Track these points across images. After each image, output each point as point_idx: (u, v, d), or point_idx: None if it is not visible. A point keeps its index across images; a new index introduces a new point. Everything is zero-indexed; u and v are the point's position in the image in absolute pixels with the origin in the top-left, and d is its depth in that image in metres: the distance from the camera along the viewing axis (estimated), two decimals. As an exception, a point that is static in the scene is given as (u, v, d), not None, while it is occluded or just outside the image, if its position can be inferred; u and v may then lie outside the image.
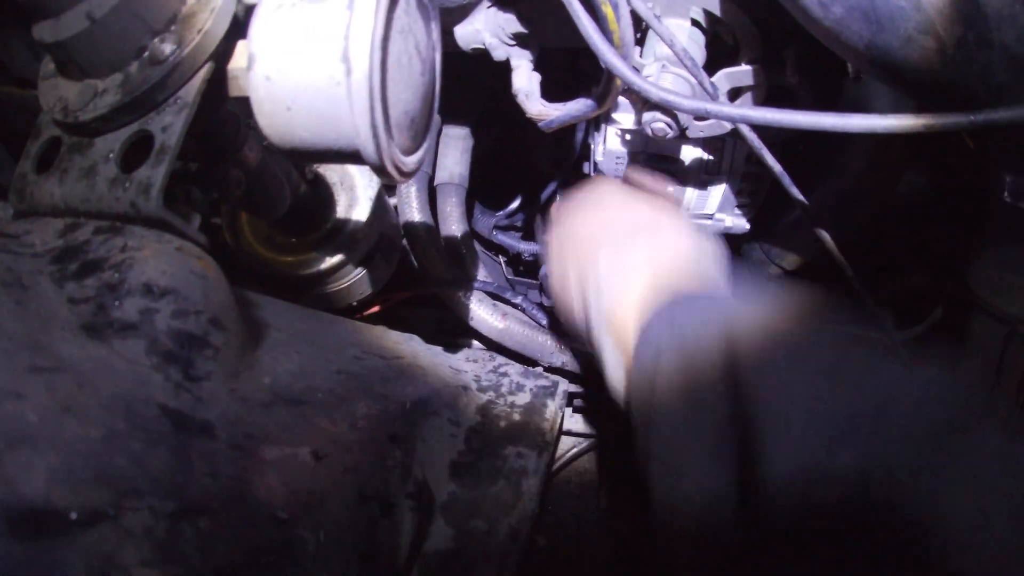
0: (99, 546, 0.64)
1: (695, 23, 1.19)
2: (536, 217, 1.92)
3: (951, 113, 0.84)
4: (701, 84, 1.08)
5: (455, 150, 1.69)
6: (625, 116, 1.31)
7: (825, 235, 1.17)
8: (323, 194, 1.35)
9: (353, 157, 0.81)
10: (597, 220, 1.05)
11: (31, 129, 0.97)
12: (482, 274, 1.71)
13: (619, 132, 1.35)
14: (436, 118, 0.99)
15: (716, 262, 0.97)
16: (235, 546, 0.74)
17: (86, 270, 0.80)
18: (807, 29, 0.95)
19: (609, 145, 1.38)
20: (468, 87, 1.67)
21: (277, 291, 1.26)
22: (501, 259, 1.99)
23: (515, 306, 1.64)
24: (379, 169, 0.83)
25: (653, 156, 1.36)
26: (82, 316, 0.77)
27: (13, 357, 0.68)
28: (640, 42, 1.23)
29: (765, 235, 1.47)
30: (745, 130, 1.08)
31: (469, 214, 1.82)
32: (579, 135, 1.71)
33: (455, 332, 1.66)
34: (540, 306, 1.66)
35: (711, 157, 1.35)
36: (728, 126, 1.20)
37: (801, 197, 1.14)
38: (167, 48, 0.86)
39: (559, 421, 1.28)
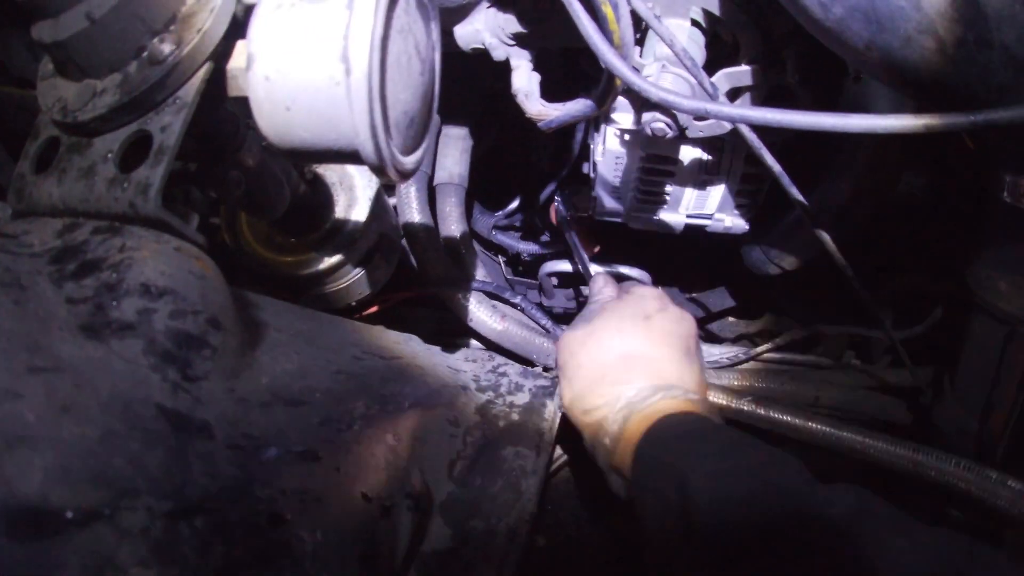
0: (96, 546, 0.64)
1: (695, 23, 1.19)
2: (536, 217, 1.92)
3: (951, 113, 0.84)
4: (701, 84, 1.07)
5: (454, 150, 1.69)
6: (625, 116, 1.31)
7: (824, 235, 1.17)
8: (322, 194, 1.35)
9: (352, 157, 0.81)
10: (599, 362, 1.17)
11: (30, 129, 0.97)
12: (481, 274, 1.71)
13: (619, 132, 1.35)
14: (435, 118, 0.99)
15: (696, 377, 1.16)
16: (233, 546, 0.74)
17: (84, 270, 0.80)
18: (807, 29, 0.95)
19: (609, 145, 1.38)
20: (468, 87, 1.68)
21: (276, 291, 1.26)
22: (500, 259, 1.99)
23: (514, 306, 1.64)
24: (378, 169, 0.83)
25: (653, 156, 1.36)
26: (80, 316, 0.77)
27: (11, 357, 0.68)
28: (640, 42, 1.23)
29: (765, 235, 1.46)
30: (745, 130, 1.08)
31: (468, 214, 1.82)
32: (579, 135, 1.72)
33: (454, 332, 1.66)
34: (539, 306, 1.66)
35: (711, 157, 1.34)
36: (728, 126, 1.20)
37: (800, 197, 1.14)
38: (166, 48, 0.86)
39: (558, 421, 1.28)
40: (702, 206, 1.45)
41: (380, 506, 0.95)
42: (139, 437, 0.71)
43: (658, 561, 0.98)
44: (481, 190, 1.87)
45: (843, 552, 0.76)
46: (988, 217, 1.12)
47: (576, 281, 1.86)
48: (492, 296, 1.63)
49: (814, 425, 1.37)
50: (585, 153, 1.59)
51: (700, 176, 1.39)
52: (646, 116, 1.18)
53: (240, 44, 0.90)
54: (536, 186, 1.86)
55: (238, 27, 0.90)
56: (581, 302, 1.87)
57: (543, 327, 1.61)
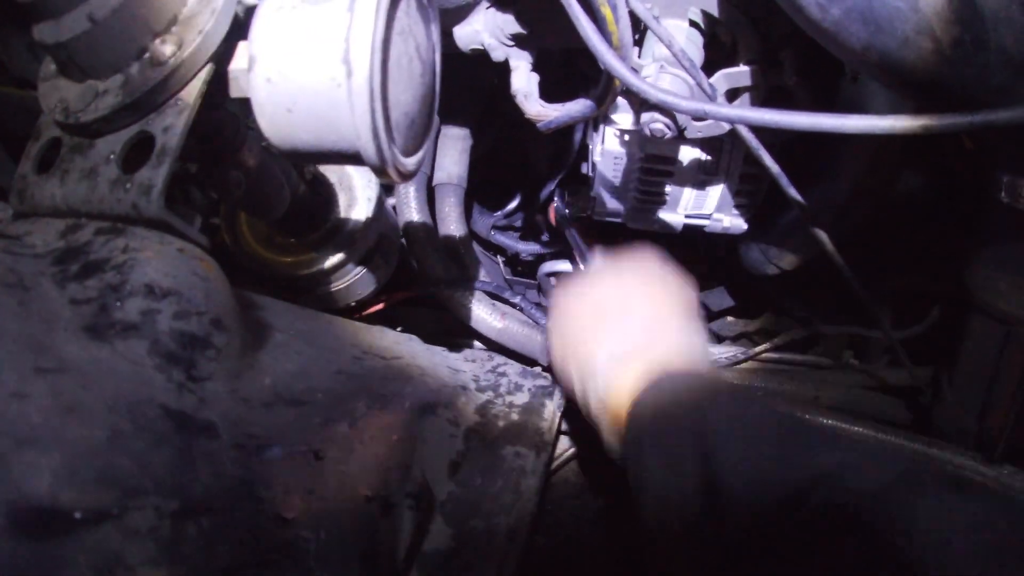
0: (104, 545, 0.64)
1: (693, 24, 1.19)
2: (535, 217, 1.92)
3: (949, 114, 0.85)
4: (699, 85, 1.08)
5: (453, 150, 1.69)
6: (624, 117, 1.31)
7: (823, 235, 1.18)
8: (322, 194, 1.35)
9: (354, 159, 0.82)
10: (592, 311, 1.12)
11: (31, 130, 0.97)
12: (480, 274, 1.71)
13: (617, 132, 1.35)
14: (435, 119, 0.99)
15: (699, 336, 1.08)
16: (238, 545, 0.75)
17: (88, 271, 0.81)
18: (805, 30, 0.96)
19: (607, 145, 1.38)
20: (467, 88, 1.68)
21: (276, 291, 1.26)
22: (499, 259, 1.99)
23: (513, 306, 1.64)
24: (379, 171, 0.83)
25: (652, 157, 1.36)
26: (84, 317, 0.77)
27: (17, 358, 0.68)
28: (639, 43, 1.23)
29: (763, 235, 1.47)
30: (743, 131, 1.09)
31: (468, 214, 1.82)
32: (577, 135, 1.72)
33: (454, 332, 1.66)
34: (539, 306, 1.66)
35: (709, 157, 1.35)
36: (726, 127, 1.20)
37: (799, 197, 1.15)
38: (168, 49, 0.87)
39: (557, 421, 1.28)
40: (701, 206, 1.45)
41: (381, 505, 0.95)
42: (145, 437, 0.71)
43: (662, 531, 0.88)
44: (480, 190, 1.88)
45: (864, 529, 0.67)
46: (986, 217, 1.13)
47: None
48: (491, 296, 1.63)
49: (827, 421, 1.38)
50: (584, 153, 1.59)
51: (699, 176, 1.39)
52: (645, 116, 1.19)
53: (242, 45, 0.90)
54: (535, 186, 1.86)
55: (239, 28, 0.90)
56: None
57: (542, 327, 1.62)
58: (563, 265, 1.79)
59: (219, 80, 0.90)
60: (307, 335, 1.08)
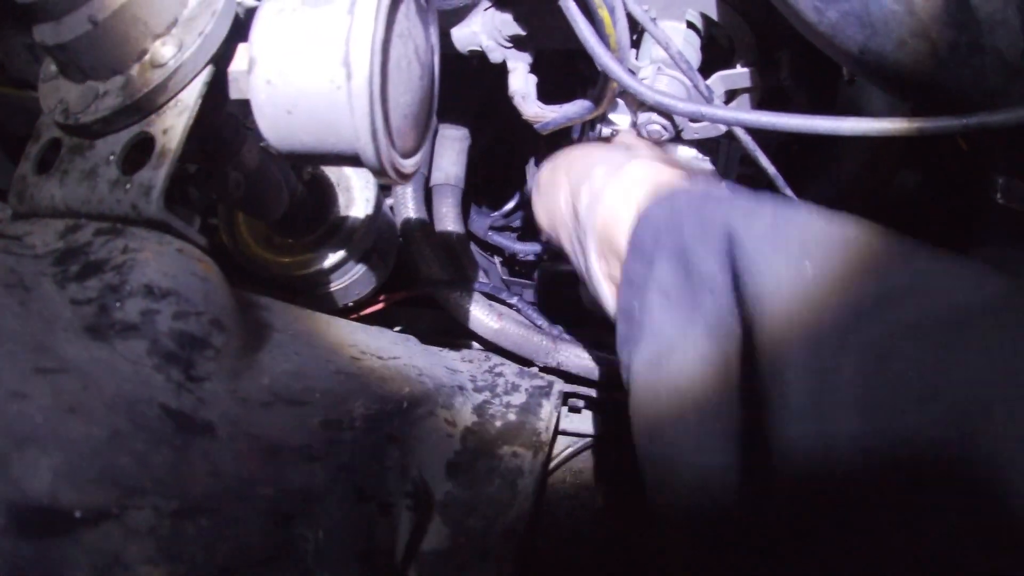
0: (104, 544, 0.64)
1: (691, 26, 1.20)
2: (533, 217, 1.92)
3: (944, 116, 0.85)
4: (696, 87, 1.08)
5: (451, 151, 1.70)
6: (621, 118, 1.32)
7: (819, 236, 1.18)
8: (320, 195, 1.35)
9: (353, 160, 0.82)
10: (592, 151, 1.02)
11: (31, 131, 0.97)
12: (478, 275, 1.71)
13: (615, 133, 1.36)
14: (434, 120, 1.00)
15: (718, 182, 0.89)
16: (236, 544, 0.75)
17: (88, 272, 0.81)
18: (802, 33, 0.96)
19: (605, 146, 1.39)
20: (465, 88, 1.68)
21: (274, 292, 1.27)
22: (497, 259, 2.00)
23: (511, 306, 1.64)
24: (378, 172, 0.84)
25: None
26: (84, 317, 0.77)
27: (17, 358, 0.69)
28: (636, 44, 1.24)
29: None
30: (739, 132, 1.09)
31: (465, 215, 1.82)
32: (575, 137, 1.72)
33: (451, 332, 1.66)
34: (536, 306, 1.66)
35: (706, 159, 1.35)
36: (723, 128, 1.21)
37: (795, 198, 1.15)
38: (168, 51, 0.87)
39: (554, 421, 1.29)
40: (697, 207, 1.45)
41: (379, 505, 0.96)
42: (144, 437, 0.72)
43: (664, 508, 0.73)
44: (478, 191, 1.88)
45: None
46: (981, 218, 1.13)
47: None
48: (488, 296, 1.64)
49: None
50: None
51: (695, 177, 1.40)
52: (642, 118, 1.19)
53: (242, 47, 0.90)
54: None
55: (240, 30, 0.90)
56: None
57: (539, 327, 1.62)
58: (561, 266, 1.80)
59: (219, 82, 0.91)
60: (305, 335, 1.08)
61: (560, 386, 1.39)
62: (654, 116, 1.18)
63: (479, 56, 1.24)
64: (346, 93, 0.76)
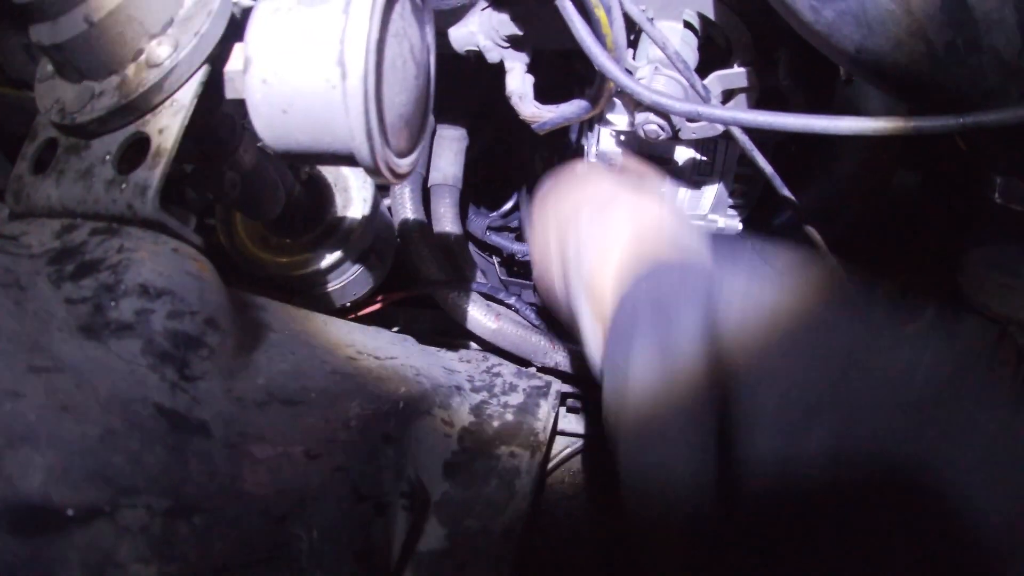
0: (96, 543, 0.64)
1: (688, 26, 1.20)
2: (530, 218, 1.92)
3: (941, 115, 0.85)
4: (693, 86, 1.08)
5: (449, 151, 1.70)
6: (618, 117, 1.32)
7: (815, 235, 1.18)
8: (318, 195, 1.35)
9: (348, 159, 0.82)
10: (579, 188, 1.02)
11: (26, 130, 0.97)
12: (476, 275, 1.71)
13: (613, 133, 1.36)
14: (430, 119, 1.00)
15: (697, 232, 0.93)
16: (230, 543, 0.75)
17: (83, 271, 0.81)
18: (799, 33, 0.96)
19: (603, 146, 1.39)
20: (462, 89, 1.68)
21: (271, 292, 1.27)
22: (495, 260, 2.00)
23: (508, 306, 1.64)
24: (373, 172, 0.84)
25: (646, 157, 1.36)
26: (79, 317, 0.77)
27: (12, 357, 0.69)
28: (633, 44, 1.24)
29: (758, 235, 1.47)
30: (737, 132, 1.09)
31: (463, 215, 1.82)
32: (573, 136, 1.72)
33: (449, 333, 1.66)
34: (534, 306, 1.66)
35: (704, 158, 1.35)
36: (720, 128, 1.21)
37: (792, 198, 1.15)
38: (164, 51, 0.87)
39: (552, 421, 1.29)
40: (696, 206, 1.46)
41: (375, 505, 0.95)
42: (138, 436, 0.72)
43: (647, 536, 0.77)
44: (476, 191, 1.88)
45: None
46: (980, 218, 1.13)
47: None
48: (486, 297, 1.64)
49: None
50: (580, 154, 1.59)
51: (693, 177, 1.40)
52: (639, 117, 1.19)
53: (237, 47, 0.90)
54: (531, 187, 1.86)
55: (235, 29, 0.90)
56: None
57: (537, 327, 1.62)
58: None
59: (215, 81, 0.91)
60: (302, 335, 1.08)
61: (558, 386, 1.39)
62: (651, 116, 1.18)
63: (476, 56, 1.24)
64: (341, 92, 0.76)
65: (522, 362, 1.54)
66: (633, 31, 1.21)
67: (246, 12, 0.87)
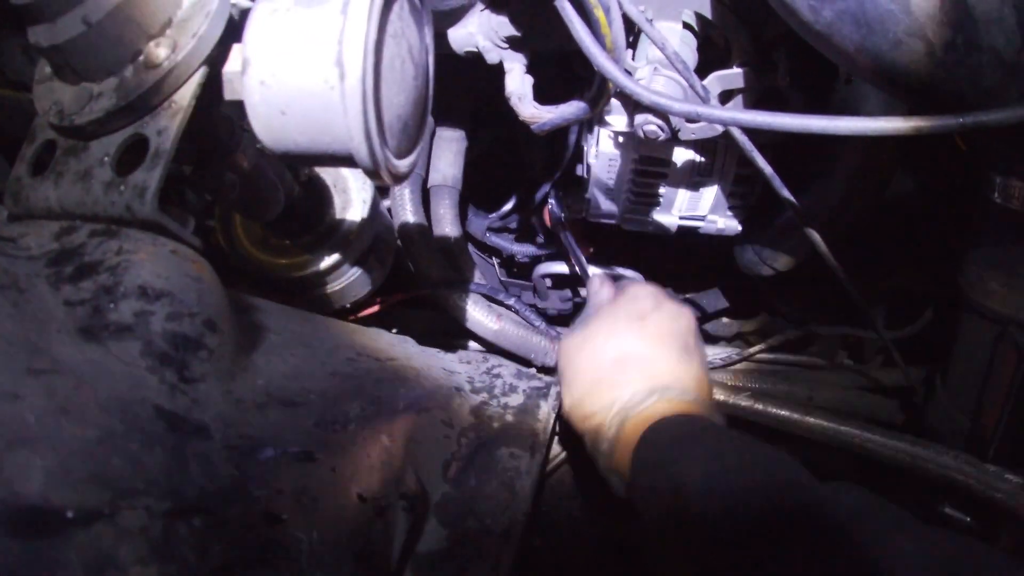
0: (96, 544, 0.64)
1: (687, 26, 1.20)
2: (530, 219, 1.93)
3: (940, 115, 0.85)
4: (692, 87, 1.08)
5: (448, 152, 1.70)
6: (618, 118, 1.32)
7: (816, 236, 1.18)
8: (317, 196, 1.35)
9: (347, 161, 0.82)
10: (594, 366, 1.18)
11: (26, 132, 0.97)
12: (476, 276, 1.71)
13: (612, 134, 1.36)
14: (429, 120, 1.00)
15: (696, 364, 1.17)
16: (230, 545, 0.75)
17: (82, 273, 0.81)
18: (798, 33, 0.96)
19: (602, 147, 1.39)
20: (461, 89, 1.68)
21: (271, 293, 1.27)
22: (495, 261, 2.00)
23: (509, 307, 1.64)
24: (372, 172, 0.84)
25: (645, 158, 1.36)
26: (78, 318, 0.77)
27: (11, 359, 0.69)
28: (632, 45, 1.24)
29: (758, 236, 1.47)
30: (736, 133, 1.09)
31: (463, 216, 1.83)
32: (572, 137, 1.72)
33: (449, 334, 1.66)
34: (534, 307, 1.66)
35: (703, 159, 1.35)
36: (719, 128, 1.21)
37: (792, 198, 1.15)
38: (162, 52, 0.87)
39: (552, 422, 1.29)
40: (695, 208, 1.46)
41: (375, 506, 0.95)
42: (137, 438, 0.72)
43: (656, 554, 0.99)
44: (475, 192, 1.88)
45: (841, 550, 0.75)
46: (979, 218, 1.13)
47: (570, 283, 1.86)
48: (486, 298, 1.64)
49: (813, 420, 1.39)
50: (579, 155, 1.59)
51: (693, 177, 1.40)
52: (638, 118, 1.19)
53: (236, 48, 0.90)
54: (530, 188, 1.86)
55: (234, 31, 0.90)
56: (576, 303, 1.88)
57: (537, 328, 1.62)
58: (558, 267, 1.80)
59: (213, 83, 0.91)
60: (301, 336, 1.08)
61: (558, 387, 1.38)
62: (650, 116, 1.18)
63: (476, 57, 1.23)
64: (339, 93, 0.76)
65: (524, 362, 1.54)
66: (632, 32, 1.21)
67: (244, 13, 0.87)
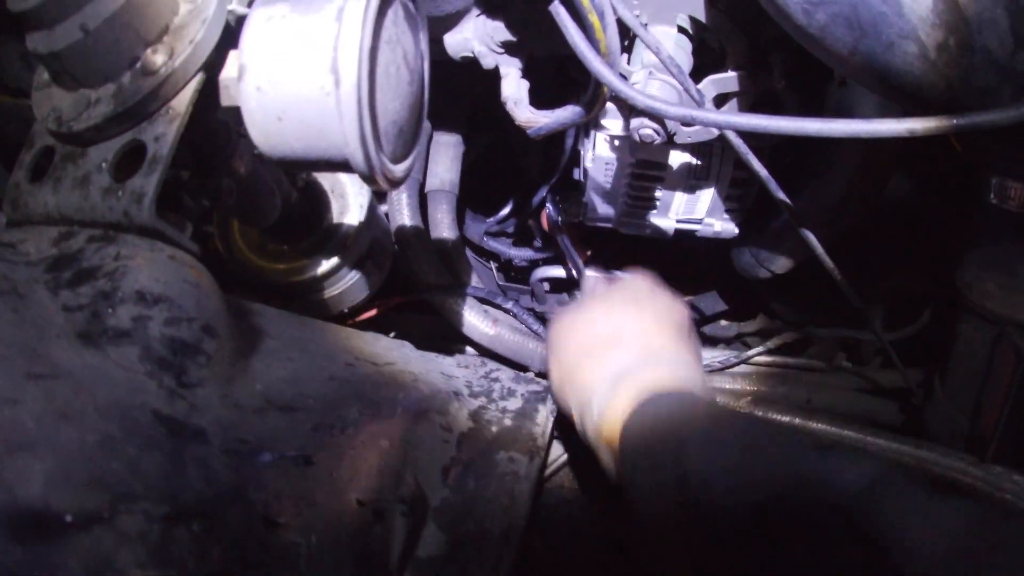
0: (95, 548, 0.64)
1: (682, 30, 1.20)
2: (527, 223, 1.93)
3: (934, 117, 0.85)
4: (687, 91, 1.09)
5: (445, 157, 1.70)
6: (614, 122, 1.32)
7: (811, 238, 1.18)
8: (315, 201, 1.35)
9: (343, 166, 0.82)
10: (586, 341, 1.16)
11: (23, 138, 0.97)
12: (473, 280, 1.72)
13: (608, 138, 1.36)
14: (426, 125, 1.00)
15: (689, 353, 1.12)
16: (228, 549, 0.75)
17: (80, 278, 0.81)
18: (792, 36, 0.96)
19: (598, 151, 1.39)
20: (458, 94, 1.68)
21: (269, 298, 1.27)
22: (492, 265, 2.00)
23: (506, 311, 1.64)
24: (368, 178, 0.84)
25: (642, 161, 1.37)
26: (77, 324, 0.77)
27: (10, 364, 0.69)
28: (628, 49, 1.24)
29: (755, 239, 1.47)
30: (731, 136, 1.09)
31: (460, 221, 1.83)
32: (568, 141, 1.72)
33: (447, 338, 1.66)
34: (531, 311, 1.67)
35: (699, 162, 1.36)
36: (715, 132, 1.21)
37: (787, 201, 1.15)
38: (159, 59, 0.87)
39: (551, 426, 1.29)
40: (692, 211, 1.46)
41: (374, 511, 0.95)
42: (136, 442, 0.72)
43: (650, 541, 0.94)
44: (472, 196, 1.88)
45: (852, 529, 0.71)
46: (976, 219, 1.13)
47: (568, 287, 1.86)
48: (484, 302, 1.64)
49: (816, 424, 1.38)
50: (576, 159, 1.60)
51: (689, 181, 1.40)
52: (634, 122, 1.19)
53: (232, 55, 0.91)
54: (527, 192, 1.86)
55: (230, 37, 0.91)
56: (574, 307, 1.88)
57: (535, 332, 1.62)
58: (556, 271, 1.80)
59: (210, 89, 0.91)
60: (299, 341, 1.08)
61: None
62: (646, 120, 1.18)
63: (472, 62, 1.24)
64: (335, 99, 0.76)
65: (521, 367, 1.54)
66: (627, 36, 1.21)
67: (240, 20, 0.87)
